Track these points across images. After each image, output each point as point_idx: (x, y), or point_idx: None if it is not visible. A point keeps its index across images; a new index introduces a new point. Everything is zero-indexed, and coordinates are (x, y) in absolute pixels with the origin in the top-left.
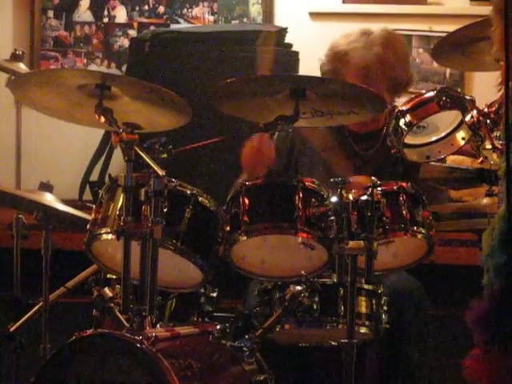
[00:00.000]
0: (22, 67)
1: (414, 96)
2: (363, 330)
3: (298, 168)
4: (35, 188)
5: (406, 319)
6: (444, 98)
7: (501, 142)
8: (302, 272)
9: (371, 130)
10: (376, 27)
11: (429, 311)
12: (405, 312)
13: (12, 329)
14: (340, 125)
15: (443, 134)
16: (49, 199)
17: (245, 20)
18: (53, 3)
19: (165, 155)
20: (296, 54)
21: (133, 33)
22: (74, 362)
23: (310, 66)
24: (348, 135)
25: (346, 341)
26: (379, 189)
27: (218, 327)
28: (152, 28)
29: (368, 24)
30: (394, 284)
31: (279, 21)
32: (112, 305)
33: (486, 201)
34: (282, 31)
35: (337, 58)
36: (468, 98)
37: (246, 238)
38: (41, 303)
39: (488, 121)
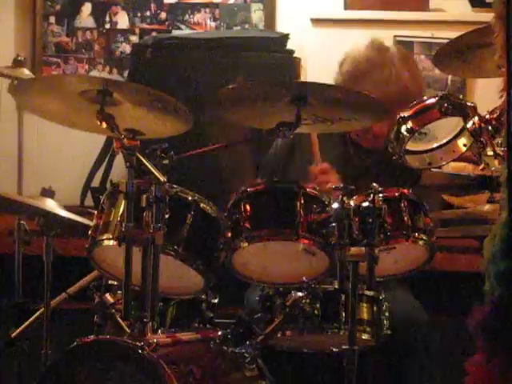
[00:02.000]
0: (24, 73)
1: (415, 102)
2: (364, 336)
3: (296, 175)
4: (37, 194)
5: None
6: (446, 105)
7: (502, 148)
8: (304, 278)
9: (378, 146)
10: (384, 38)
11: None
12: (411, 345)
13: (13, 335)
14: (343, 134)
15: (445, 141)
16: (50, 205)
17: (246, 26)
18: (55, 9)
19: (166, 161)
20: (298, 60)
21: (134, 39)
22: (75, 368)
23: (311, 72)
24: (350, 143)
25: (347, 347)
26: (380, 195)
27: (220, 333)
28: (154, 34)
29: (370, 31)
30: (400, 315)
31: (281, 27)
32: (113, 311)
33: (487, 207)
34: (284, 37)
35: (355, 76)
36: (470, 104)
37: (247, 244)
38: (42, 309)
39: (490, 127)
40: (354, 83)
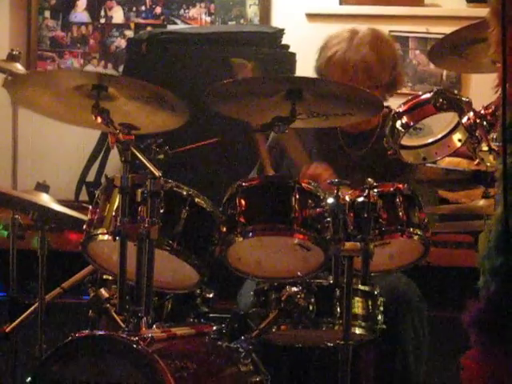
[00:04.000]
0: (19, 68)
1: (410, 98)
2: (359, 331)
3: (289, 169)
4: (31, 188)
5: (401, 321)
6: (441, 100)
7: (497, 143)
8: (298, 273)
9: (363, 130)
10: (364, 27)
11: (425, 312)
12: (401, 314)
13: (8, 329)
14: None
15: (440, 136)
16: (45, 200)
17: (242, 21)
18: (50, 3)
19: (161, 156)
20: (293, 55)
21: (130, 33)
22: (70, 363)
23: (306, 67)
24: (340, 136)
25: (341, 342)
26: (375, 190)
27: (214, 328)
28: (149, 29)
29: (365, 26)
30: (390, 286)
31: (276, 22)
32: (108, 305)
33: (482, 203)
34: (279, 32)
35: (323, 59)
36: (465, 99)
37: (242, 239)
38: (36, 304)
39: (485, 123)
40: (321, 62)
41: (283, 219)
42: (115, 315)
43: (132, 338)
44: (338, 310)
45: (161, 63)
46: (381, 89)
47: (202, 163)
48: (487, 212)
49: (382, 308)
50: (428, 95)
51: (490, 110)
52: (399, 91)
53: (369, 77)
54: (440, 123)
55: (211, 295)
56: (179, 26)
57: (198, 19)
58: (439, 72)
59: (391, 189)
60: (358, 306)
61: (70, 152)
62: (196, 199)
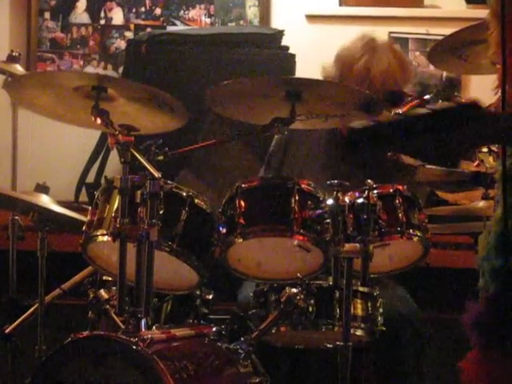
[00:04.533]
0: (19, 69)
1: (410, 99)
2: (359, 332)
3: (291, 171)
4: (31, 189)
5: (401, 345)
6: (440, 101)
7: (497, 145)
8: (298, 274)
9: None
10: (379, 34)
11: (426, 334)
12: (401, 339)
13: (7, 330)
14: (330, 130)
15: None
16: (45, 201)
17: (241, 22)
18: (49, 5)
19: (161, 157)
20: (292, 56)
21: (129, 35)
22: (70, 364)
23: (306, 68)
24: (340, 137)
25: (341, 343)
26: (375, 191)
27: (214, 329)
28: (149, 30)
29: (365, 27)
30: (391, 309)
31: (276, 23)
32: (108, 307)
33: (481, 204)
34: (279, 34)
35: (342, 65)
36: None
37: (241, 240)
38: (36, 305)
39: None
40: (340, 69)
41: (283, 220)
42: (115, 316)
43: (131, 339)
44: (338, 311)
45: (160, 64)
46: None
47: (202, 164)
48: (487, 213)
49: (381, 310)
50: (428, 96)
51: None
52: None
53: (395, 84)
54: None
55: (211, 296)
56: (179, 28)
57: (197, 20)
58: (439, 73)
59: (391, 190)
60: (357, 308)
61: (70, 153)
62: (196, 200)
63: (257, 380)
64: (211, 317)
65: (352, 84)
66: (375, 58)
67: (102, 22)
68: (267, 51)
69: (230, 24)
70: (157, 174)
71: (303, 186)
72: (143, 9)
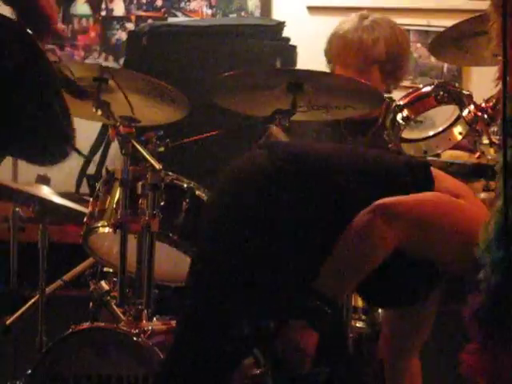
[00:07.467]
0: None
1: (411, 91)
2: (359, 324)
3: None
4: (32, 181)
5: None
6: (441, 93)
7: (498, 136)
8: None
9: (367, 116)
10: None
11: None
12: None
13: (8, 322)
14: (335, 125)
15: (440, 129)
16: (46, 192)
17: (243, 14)
18: None
19: (162, 149)
20: (294, 47)
21: (130, 26)
22: (71, 355)
23: (307, 59)
24: (343, 125)
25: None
26: None
27: None
28: (150, 21)
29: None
30: None
31: (277, 15)
32: (109, 298)
33: (482, 196)
34: (280, 25)
35: (329, 40)
36: (465, 92)
37: None
38: (37, 296)
39: (485, 116)
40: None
41: None
42: (116, 308)
43: (132, 331)
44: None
45: (161, 56)
46: (379, 67)
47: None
48: (488, 205)
49: None
50: (429, 88)
51: (491, 103)
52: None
53: (361, 57)
54: (441, 116)
55: None
56: (180, 19)
57: (198, 12)
58: (440, 65)
59: None
60: (358, 299)
61: None
62: (196, 191)
63: (258, 371)
64: None
65: (348, 60)
66: (354, 26)
67: (103, 13)
68: (268, 43)
69: (231, 15)
70: (158, 166)
71: None
72: (144, 0)
